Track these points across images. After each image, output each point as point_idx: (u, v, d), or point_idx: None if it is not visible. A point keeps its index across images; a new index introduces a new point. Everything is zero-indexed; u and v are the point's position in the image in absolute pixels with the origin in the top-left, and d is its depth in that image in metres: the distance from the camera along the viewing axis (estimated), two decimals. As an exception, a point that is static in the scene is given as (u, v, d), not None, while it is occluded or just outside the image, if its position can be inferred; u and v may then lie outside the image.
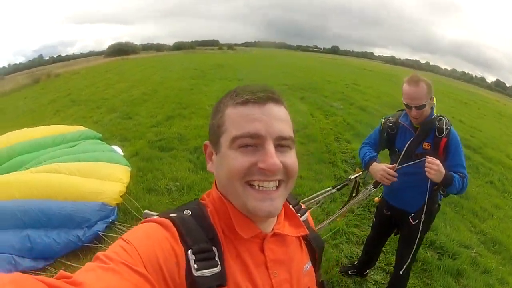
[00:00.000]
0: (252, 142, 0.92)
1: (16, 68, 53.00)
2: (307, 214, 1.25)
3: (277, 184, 0.95)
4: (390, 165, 3.07)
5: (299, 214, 1.18)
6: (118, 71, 27.42)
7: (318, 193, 3.80)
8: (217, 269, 0.89)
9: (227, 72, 22.53)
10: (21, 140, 6.61)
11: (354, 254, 4.37)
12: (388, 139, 3.21)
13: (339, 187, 3.77)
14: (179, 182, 6.19)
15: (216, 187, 1.04)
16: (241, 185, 0.93)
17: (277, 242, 1.05)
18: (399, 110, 3.24)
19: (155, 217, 0.95)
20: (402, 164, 3.02)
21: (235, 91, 0.99)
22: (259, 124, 0.92)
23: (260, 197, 0.93)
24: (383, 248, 4.08)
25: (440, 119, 2.91)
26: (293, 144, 1.00)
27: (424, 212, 3.03)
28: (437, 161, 2.71)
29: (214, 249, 0.92)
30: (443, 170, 2.70)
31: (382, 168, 3.06)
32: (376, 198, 3.65)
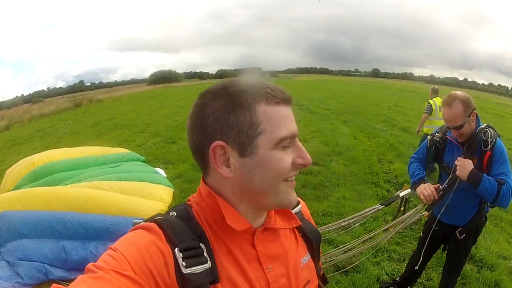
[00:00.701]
0: (289, 142, 0.91)
1: (56, 92, 54.84)
2: (301, 206, 1.22)
3: None
4: (435, 185, 3.08)
5: None
6: (161, 98, 28.18)
7: (366, 209, 3.82)
8: (207, 265, 0.87)
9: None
10: (63, 158, 6.67)
11: (395, 271, 4.33)
12: (436, 154, 3.18)
13: (386, 203, 3.78)
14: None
15: (205, 184, 0.99)
16: (283, 182, 0.92)
17: (269, 236, 1.03)
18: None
19: (142, 222, 0.94)
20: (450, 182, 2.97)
21: (258, 87, 0.91)
22: (294, 125, 0.92)
23: (291, 188, 0.96)
24: (428, 265, 4.02)
25: (486, 132, 2.81)
26: None
27: (471, 226, 3.04)
28: (463, 161, 2.77)
29: (202, 245, 0.90)
30: (469, 167, 2.72)
31: (424, 186, 3.08)
32: (426, 212, 3.55)
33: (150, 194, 5.52)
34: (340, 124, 14.25)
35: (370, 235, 3.86)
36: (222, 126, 0.89)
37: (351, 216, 3.84)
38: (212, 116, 0.89)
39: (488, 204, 2.96)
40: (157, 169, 7.52)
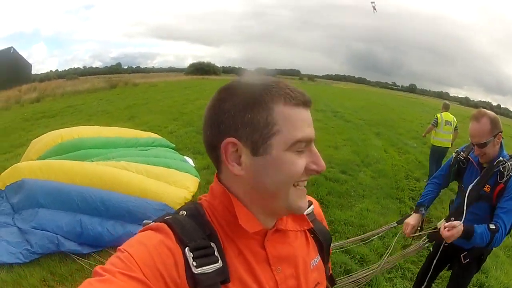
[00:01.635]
0: (304, 146, 0.88)
1: (92, 71, 54.79)
2: (313, 207, 1.17)
3: None
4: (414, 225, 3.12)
5: None
6: (198, 89, 28.22)
7: (382, 228, 3.84)
8: (218, 264, 0.85)
9: (307, 103, 22.68)
10: (92, 135, 6.73)
11: None
12: (458, 173, 3.11)
13: (401, 221, 3.58)
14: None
15: (219, 182, 0.96)
16: (293, 187, 0.90)
17: (279, 238, 1.00)
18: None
19: (151, 223, 0.91)
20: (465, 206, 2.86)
21: (276, 87, 0.89)
22: (311, 129, 0.90)
23: (302, 195, 0.94)
24: (434, 286, 4.01)
25: (504, 164, 2.70)
26: None
27: (476, 251, 2.97)
28: (453, 231, 2.61)
29: (213, 245, 0.88)
30: (456, 235, 2.59)
31: (409, 225, 3.12)
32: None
33: (176, 182, 5.54)
34: (372, 135, 14.08)
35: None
36: (237, 123, 0.87)
37: (365, 234, 3.93)
38: (228, 112, 0.88)
39: None
40: (186, 157, 7.56)
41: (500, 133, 2.74)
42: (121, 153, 6.33)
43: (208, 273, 0.83)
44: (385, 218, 6.02)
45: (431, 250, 3.57)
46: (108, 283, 0.73)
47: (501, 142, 2.80)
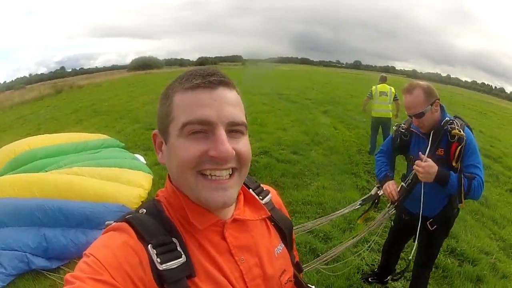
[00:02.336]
0: (202, 129, 0.86)
1: (38, 79, 53.44)
2: (271, 195, 1.18)
3: (230, 173, 0.90)
4: (395, 187, 3.10)
5: (260, 197, 1.14)
6: (141, 85, 27.93)
7: (345, 209, 3.82)
8: (182, 259, 0.86)
9: (250, 87, 22.48)
10: (43, 145, 6.65)
11: (375, 261, 4.32)
12: (401, 146, 3.09)
13: (364, 202, 3.69)
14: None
15: (169, 180, 0.98)
16: (193, 175, 0.88)
17: (239, 227, 1.01)
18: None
19: (112, 223, 0.91)
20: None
21: (184, 76, 0.92)
22: (210, 109, 0.86)
23: (213, 186, 0.88)
24: (403, 255, 4.01)
25: (452, 123, 2.71)
26: (246, 130, 0.94)
27: (442, 217, 2.96)
28: (425, 163, 2.64)
29: (175, 240, 0.88)
30: (433, 171, 2.61)
31: (391, 190, 3.09)
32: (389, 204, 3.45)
33: (130, 181, 5.52)
34: (320, 114, 14.15)
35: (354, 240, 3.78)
36: (157, 117, 0.96)
37: (329, 215, 3.86)
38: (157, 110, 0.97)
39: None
40: (137, 155, 7.54)
41: (437, 100, 2.74)
42: (72, 159, 6.26)
43: (173, 268, 0.84)
44: (342, 194, 6.13)
45: (392, 224, 3.52)
46: None
47: (441, 107, 2.80)
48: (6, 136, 12.60)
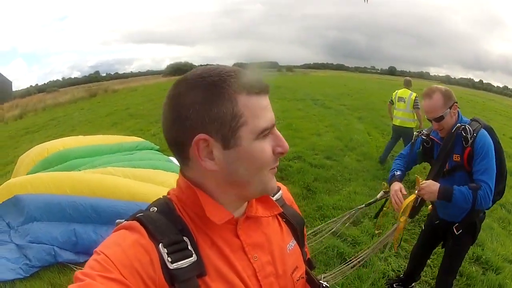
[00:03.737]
0: (268, 132, 0.90)
1: (71, 82, 53.94)
2: (281, 192, 1.20)
3: None
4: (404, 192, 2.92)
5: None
6: (177, 90, 28.27)
7: (348, 211, 3.83)
8: (193, 258, 0.86)
9: (285, 93, 22.47)
10: (77, 145, 6.70)
11: (401, 268, 4.27)
12: (425, 153, 3.06)
13: (363, 206, 3.77)
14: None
15: (184, 177, 0.96)
16: (269, 172, 0.93)
17: (251, 225, 1.02)
18: None
19: (123, 222, 0.91)
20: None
21: (236, 76, 0.87)
22: (272, 114, 0.91)
23: (272, 176, 0.95)
24: (429, 262, 3.98)
25: (464, 128, 2.69)
26: None
27: (467, 222, 2.92)
28: (424, 185, 2.71)
29: (186, 239, 0.88)
30: (434, 189, 2.66)
31: (395, 190, 2.92)
32: (430, 206, 3.35)
33: (163, 182, 5.46)
34: (355, 120, 14.03)
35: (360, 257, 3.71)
36: (204, 118, 0.85)
37: (334, 219, 3.88)
38: (192, 108, 0.86)
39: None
40: (171, 158, 7.40)
41: (455, 104, 2.75)
42: (107, 160, 6.29)
43: (183, 267, 0.84)
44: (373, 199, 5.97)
45: (423, 228, 3.50)
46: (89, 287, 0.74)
47: (458, 112, 2.80)
48: (39, 136, 13.06)
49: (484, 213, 3.03)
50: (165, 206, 0.94)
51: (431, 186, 2.67)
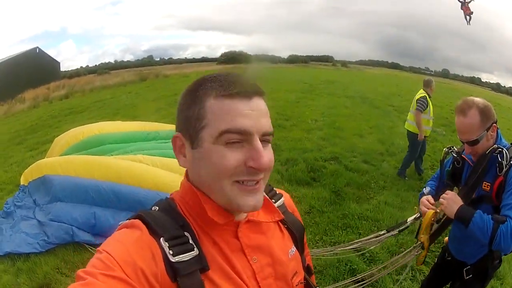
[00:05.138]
0: (239, 139, 0.89)
1: (123, 65, 53.76)
2: (283, 199, 1.22)
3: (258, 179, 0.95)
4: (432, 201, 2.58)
5: (273, 200, 1.17)
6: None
7: (368, 237, 3.49)
8: (194, 252, 0.88)
9: (337, 88, 22.14)
10: (113, 131, 6.86)
11: None
12: (454, 174, 2.65)
13: (394, 232, 3.27)
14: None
15: (187, 179, 1.01)
16: (229, 183, 0.90)
17: (252, 228, 1.04)
18: None
19: (125, 221, 0.95)
20: None
21: (215, 80, 0.93)
22: (248, 120, 0.89)
23: (245, 193, 0.92)
24: None
25: (501, 151, 2.26)
26: (272, 138, 0.98)
27: (479, 267, 2.53)
28: (448, 196, 2.32)
29: (187, 234, 0.91)
30: (456, 202, 2.28)
31: (423, 202, 2.59)
32: (446, 238, 2.93)
33: None
34: (401, 122, 13.37)
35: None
36: (180, 119, 0.96)
37: (354, 241, 3.58)
38: (179, 109, 0.98)
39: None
40: None
41: (494, 124, 2.34)
42: (139, 147, 6.43)
43: (185, 261, 0.86)
44: (402, 213, 5.70)
45: (436, 261, 3.18)
46: (91, 286, 0.74)
47: (497, 132, 2.40)
48: (81, 117, 13.42)
49: (501, 260, 2.58)
50: (166, 205, 0.99)
51: (454, 198, 2.30)
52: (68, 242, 4.50)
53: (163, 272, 0.83)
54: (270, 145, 0.97)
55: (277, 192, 1.24)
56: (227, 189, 0.91)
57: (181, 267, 0.85)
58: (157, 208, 0.97)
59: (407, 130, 7.71)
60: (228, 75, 0.94)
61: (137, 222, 0.90)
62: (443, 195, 2.37)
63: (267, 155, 0.91)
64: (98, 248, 0.84)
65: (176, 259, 0.85)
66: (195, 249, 0.89)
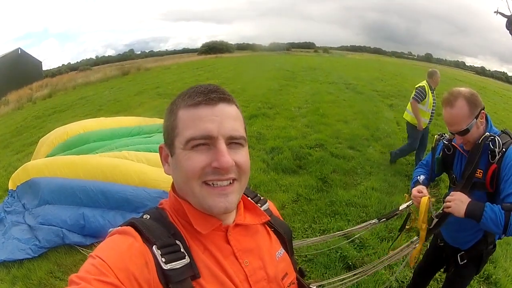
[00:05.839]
0: (205, 142, 0.95)
1: (104, 60, 53.53)
2: (268, 204, 1.28)
3: (231, 182, 0.99)
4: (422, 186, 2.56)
5: (259, 204, 1.22)
6: (210, 69, 27.95)
7: (359, 225, 3.48)
8: (186, 260, 0.91)
9: (319, 75, 22.21)
10: (97, 128, 6.85)
11: (406, 279, 3.96)
12: (444, 161, 2.63)
13: (384, 219, 3.29)
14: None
15: (173, 190, 1.06)
16: (198, 185, 0.96)
17: (241, 232, 1.08)
18: None
19: (117, 227, 0.97)
20: None
21: (187, 93, 1.02)
22: (211, 125, 0.95)
23: (215, 193, 0.97)
24: (437, 276, 3.65)
25: (493, 139, 2.24)
26: (245, 142, 1.04)
27: (474, 252, 2.56)
28: (453, 197, 2.25)
29: (178, 242, 0.94)
30: (463, 201, 2.20)
31: (417, 190, 2.55)
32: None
33: None
34: (385, 107, 13.79)
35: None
36: (163, 130, 1.05)
37: (344, 231, 3.59)
38: (164, 122, 1.05)
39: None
40: None
41: (482, 110, 2.31)
42: (123, 143, 6.43)
43: (177, 268, 0.89)
44: (390, 198, 5.82)
45: (428, 247, 3.13)
46: None
47: (486, 118, 2.37)
48: (65, 116, 13.39)
49: (495, 245, 2.62)
50: (157, 213, 1.02)
51: (461, 198, 2.23)
52: (59, 245, 4.50)
53: (156, 279, 0.86)
54: (245, 148, 1.03)
55: (261, 198, 1.29)
56: (196, 191, 0.97)
57: (173, 274, 0.88)
58: (148, 216, 1.00)
59: (406, 120, 7.45)
60: (201, 86, 1.01)
61: (130, 229, 0.93)
62: (448, 197, 2.30)
63: (235, 156, 0.98)
64: (90, 253, 0.87)
65: (168, 267, 0.88)
66: (186, 257, 0.92)
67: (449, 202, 2.28)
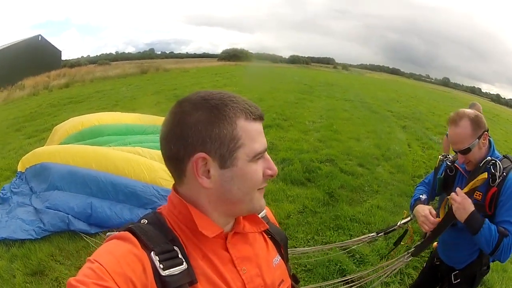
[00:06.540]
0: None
1: (124, 57, 52.96)
2: (265, 211, 1.27)
3: None
4: (434, 212, 2.53)
5: None
6: (228, 75, 27.93)
7: (358, 238, 3.58)
8: (183, 266, 0.92)
9: (336, 91, 22.24)
10: (112, 122, 6.92)
11: None
12: (445, 182, 2.66)
13: (382, 233, 3.33)
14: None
15: (177, 194, 1.03)
16: (258, 192, 1.02)
17: (240, 239, 1.10)
18: None
19: (115, 233, 0.96)
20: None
21: (238, 102, 0.97)
22: (265, 139, 1.01)
23: (262, 195, 1.06)
24: None
25: (494, 163, 2.29)
26: None
27: (468, 272, 2.58)
28: (461, 199, 2.25)
29: (176, 248, 0.94)
30: (469, 208, 2.21)
31: (424, 213, 2.51)
32: (436, 243, 2.93)
33: None
34: (398, 128, 13.79)
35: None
36: (205, 137, 0.93)
37: (343, 242, 3.72)
38: (195, 127, 0.93)
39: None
40: None
41: (486, 132, 2.38)
42: (137, 139, 6.45)
43: (175, 275, 0.89)
44: (394, 217, 5.71)
45: (424, 266, 3.22)
46: None
47: (490, 141, 2.45)
48: (81, 107, 13.50)
49: (489, 267, 2.63)
50: (155, 219, 1.01)
51: (466, 202, 2.24)
52: (63, 230, 4.54)
53: (153, 285, 0.87)
54: None
55: None
56: (255, 197, 1.02)
57: (171, 280, 0.88)
58: (146, 221, 1.00)
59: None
60: (241, 99, 1.00)
61: (128, 235, 0.92)
62: (454, 195, 2.31)
63: None
64: (89, 258, 0.87)
65: (166, 273, 0.88)
66: (184, 263, 0.93)
67: (454, 202, 2.30)
